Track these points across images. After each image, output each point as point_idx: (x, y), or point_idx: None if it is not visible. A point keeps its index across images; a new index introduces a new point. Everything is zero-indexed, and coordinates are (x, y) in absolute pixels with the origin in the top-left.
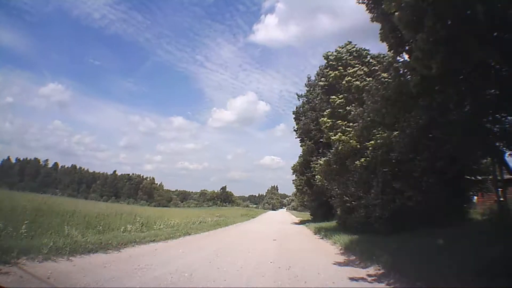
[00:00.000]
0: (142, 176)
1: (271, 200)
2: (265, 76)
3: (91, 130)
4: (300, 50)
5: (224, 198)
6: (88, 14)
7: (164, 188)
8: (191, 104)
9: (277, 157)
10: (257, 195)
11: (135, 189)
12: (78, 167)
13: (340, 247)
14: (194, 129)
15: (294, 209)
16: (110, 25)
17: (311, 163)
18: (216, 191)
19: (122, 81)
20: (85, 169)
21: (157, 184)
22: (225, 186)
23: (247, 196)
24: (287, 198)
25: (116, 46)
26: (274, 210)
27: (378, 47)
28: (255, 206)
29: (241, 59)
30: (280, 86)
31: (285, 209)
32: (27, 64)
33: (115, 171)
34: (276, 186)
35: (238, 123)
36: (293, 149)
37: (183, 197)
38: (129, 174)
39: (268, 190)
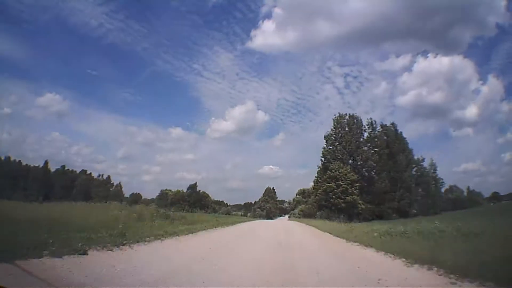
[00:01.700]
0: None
1: (265, 204)
2: (263, 84)
3: (89, 141)
4: (298, 56)
5: (194, 200)
6: (86, 23)
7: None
8: (189, 114)
9: (276, 166)
10: (253, 202)
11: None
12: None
13: None
14: (192, 140)
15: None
16: (107, 34)
17: None
18: (181, 190)
19: (119, 91)
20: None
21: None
22: (195, 184)
23: (243, 204)
24: (286, 204)
25: (113, 55)
26: (271, 218)
27: (373, 54)
28: (241, 213)
29: (238, 67)
30: (278, 95)
31: (286, 217)
32: (24, 73)
33: (46, 162)
34: (273, 188)
35: (237, 133)
36: (292, 158)
37: (134, 200)
38: (64, 167)
39: (263, 194)
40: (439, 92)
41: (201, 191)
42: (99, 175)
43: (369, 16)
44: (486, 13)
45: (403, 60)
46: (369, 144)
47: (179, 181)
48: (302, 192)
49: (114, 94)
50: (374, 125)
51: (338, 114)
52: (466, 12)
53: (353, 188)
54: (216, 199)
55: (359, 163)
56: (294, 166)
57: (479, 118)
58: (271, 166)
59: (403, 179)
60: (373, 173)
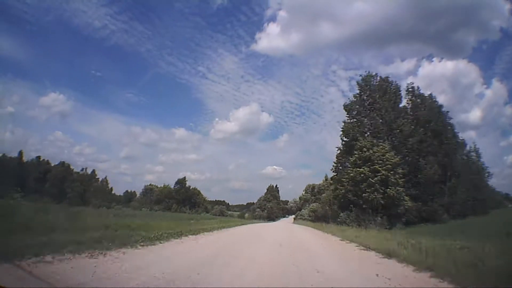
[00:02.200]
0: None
1: (267, 203)
2: (267, 87)
3: (92, 141)
4: (302, 59)
5: (184, 197)
6: (89, 24)
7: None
8: (193, 116)
9: (279, 167)
10: (255, 201)
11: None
12: None
13: None
14: (196, 141)
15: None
16: (111, 36)
17: None
18: (168, 185)
19: (123, 92)
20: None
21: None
22: (184, 179)
23: (245, 204)
24: (290, 203)
25: (117, 56)
26: (273, 220)
27: (377, 57)
28: (238, 214)
29: (243, 70)
30: (282, 97)
31: (291, 219)
32: (27, 74)
33: (21, 152)
34: (276, 186)
35: (240, 134)
36: (295, 159)
37: (128, 199)
38: (40, 157)
39: (265, 193)
40: (443, 95)
41: (191, 187)
42: (82, 169)
43: (373, 19)
44: (490, 17)
45: (408, 64)
46: (408, 117)
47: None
48: (312, 189)
49: (117, 95)
50: (416, 91)
51: (366, 73)
52: (470, 15)
53: (396, 176)
54: (217, 199)
55: (395, 142)
56: (298, 167)
57: (482, 122)
58: (274, 167)
59: (454, 166)
60: (417, 157)
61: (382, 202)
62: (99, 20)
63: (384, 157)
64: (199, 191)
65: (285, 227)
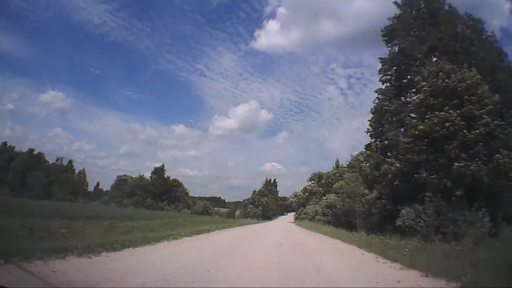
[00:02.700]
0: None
1: (261, 198)
2: (266, 84)
3: (91, 137)
4: (301, 57)
5: (162, 191)
6: (89, 21)
7: None
8: (192, 113)
9: (278, 163)
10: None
11: None
12: None
13: None
14: (195, 137)
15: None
16: (110, 33)
17: None
18: (143, 176)
19: (122, 89)
20: None
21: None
22: (162, 168)
23: (242, 200)
24: (290, 198)
25: (116, 54)
26: (269, 219)
27: (376, 55)
28: (226, 210)
29: (241, 68)
30: (281, 95)
31: (291, 217)
32: (27, 71)
33: None
34: (274, 180)
35: (239, 131)
36: (294, 156)
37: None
38: (6, 144)
39: (262, 187)
40: None
41: (171, 178)
42: (57, 159)
43: (373, 16)
44: (490, 16)
45: None
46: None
47: (181, 178)
48: (319, 177)
49: (117, 93)
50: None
51: None
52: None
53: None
54: (213, 196)
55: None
56: (296, 164)
57: None
58: (273, 163)
59: None
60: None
61: (486, 179)
62: (98, 16)
63: (477, 92)
64: (180, 183)
65: (285, 238)
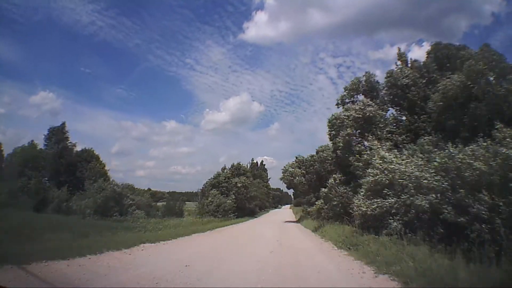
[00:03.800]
0: None
1: (235, 178)
2: (256, 76)
3: (83, 138)
4: (290, 48)
5: (64, 169)
6: (77, 21)
7: None
8: (183, 108)
9: (270, 157)
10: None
11: None
12: None
13: None
14: (187, 132)
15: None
16: (99, 32)
17: None
18: (34, 142)
19: (113, 87)
20: None
21: None
22: (64, 126)
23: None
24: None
25: (106, 52)
26: (250, 216)
27: (366, 43)
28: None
29: (230, 60)
30: (271, 86)
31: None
32: (17, 74)
33: None
34: (262, 163)
35: (231, 124)
36: (286, 149)
37: None
38: None
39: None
40: None
41: (82, 149)
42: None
43: (363, 5)
44: (481, 2)
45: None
46: None
47: (173, 175)
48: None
49: (107, 91)
50: None
51: None
52: (462, 0)
53: None
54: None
55: None
56: (289, 158)
57: None
58: (265, 157)
59: None
60: None
61: None
62: (86, 16)
63: None
64: (96, 155)
65: None
